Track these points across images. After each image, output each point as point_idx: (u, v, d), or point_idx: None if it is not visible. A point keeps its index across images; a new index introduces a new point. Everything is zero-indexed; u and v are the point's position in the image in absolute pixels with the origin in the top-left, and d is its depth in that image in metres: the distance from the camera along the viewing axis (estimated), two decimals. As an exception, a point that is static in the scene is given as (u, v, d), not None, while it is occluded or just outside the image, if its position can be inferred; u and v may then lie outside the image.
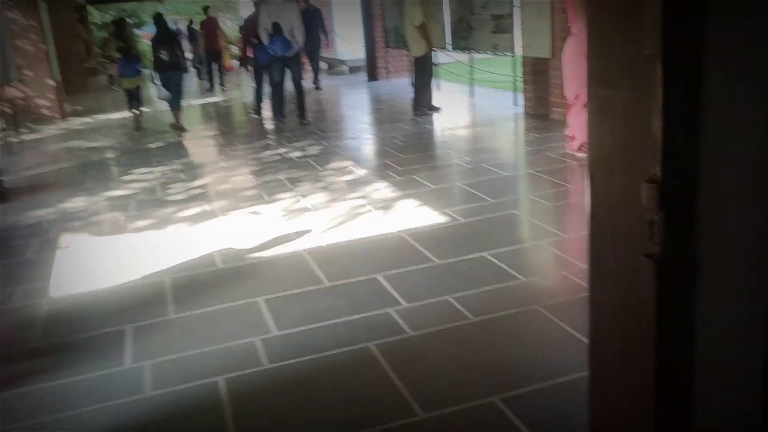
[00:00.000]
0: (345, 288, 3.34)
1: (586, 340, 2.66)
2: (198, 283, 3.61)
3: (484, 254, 3.58)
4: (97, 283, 3.73)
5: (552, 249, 3.58)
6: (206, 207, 5.11)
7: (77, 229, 4.84)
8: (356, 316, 3.01)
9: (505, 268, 3.36)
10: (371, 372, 2.56)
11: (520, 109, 8.00)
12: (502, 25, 8.10)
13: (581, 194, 4.49)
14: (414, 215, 4.40)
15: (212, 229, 4.54)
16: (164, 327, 3.12)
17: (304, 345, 2.80)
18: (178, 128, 9.35)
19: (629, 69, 1.11)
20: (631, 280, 1.16)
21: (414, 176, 5.38)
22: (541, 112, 7.50)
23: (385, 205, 4.70)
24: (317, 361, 2.67)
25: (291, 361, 2.68)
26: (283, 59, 8.42)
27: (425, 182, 5.17)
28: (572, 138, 5.48)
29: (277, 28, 8.26)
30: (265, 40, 8.37)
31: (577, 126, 5.34)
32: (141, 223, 4.84)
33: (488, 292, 3.13)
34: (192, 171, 6.51)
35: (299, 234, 4.24)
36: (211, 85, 14.58)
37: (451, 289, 3.18)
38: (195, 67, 16.62)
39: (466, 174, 5.34)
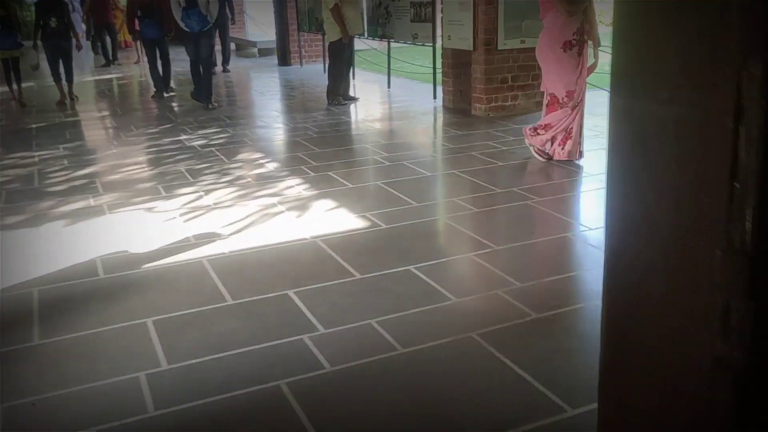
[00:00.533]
0: (251, 307, 2.87)
1: (530, 379, 2.35)
2: (73, 298, 3.03)
3: (410, 268, 3.20)
4: (-55, 296, 3.07)
5: (483, 263, 3.25)
6: (91, 201, 4.46)
7: (-71, 225, 4.08)
8: (264, 345, 2.55)
9: (434, 285, 3.00)
10: (281, 420, 2.12)
11: (440, 103, 7.70)
12: (422, 14, 7.77)
13: (510, 200, 4.20)
14: (330, 219, 3.97)
15: (96, 229, 3.92)
16: (25, 357, 2.54)
17: (199, 384, 2.32)
18: (66, 101, 8.71)
19: (694, 70, 0.73)
20: (678, 381, 0.80)
21: (329, 173, 4.94)
22: (462, 107, 7.23)
23: (299, 205, 4.24)
24: (215, 406, 2.20)
25: (182, 407, 2.19)
26: (196, 35, 7.83)
27: (342, 180, 4.74)
28: (562, 143, 4.92)
29: (191, 2, 7.63)
30: (177, 14, 7.74)
31: (565, 127, 4.87)
32: (11, 219, 4.14)
33: (417, 315, 2.75)
34: (78, 157, 5.77)
35: (200, 238, 3.71)
36: (106, 60, 13.49)
37: (374, 311, 2.78)
38: (89, 39, 15.38)
39: (386, 172, 4.96)
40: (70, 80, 8.83)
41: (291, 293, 2.98)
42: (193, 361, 2.46)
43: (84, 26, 15.30)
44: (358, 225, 3.83)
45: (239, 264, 3.35)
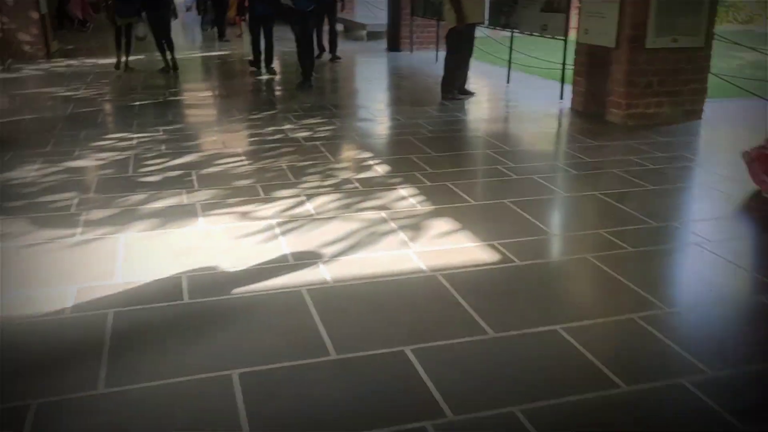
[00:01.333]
0: (359, 367, 2.29)
1: None
2: (152, 329, 2.56)
3: (557, 329, 2.53)
4: (13, 309, 2.67)
5: (653, 331, 2.52)
6: (185, 198, 4.03)
7: (11, 213, 3.77)
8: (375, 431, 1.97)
9: (593, 360, 2.32)
10: None
11: (566, 105, 6.88)
12: (555, 3, 6.94)
13: (672, 239, 3.43)
14: (451, 245, 3.33)
15: (186, 237, 3.47)
16: (83, 410, 2.07)
17: (292, 489, 1.77)
18: (169, 69, 9.15)
19: None
20: None
21: (448, 183, 4.30)
22: (594, 111, 6.38)
23: (412, 223, 3.63)
24: None
25: None
26: (305, 15, 7.73)
27: (463, 194, 4.10)
28: None
29: None
30: None
31: None
32: (97, 214, 3.76)
33: (575, 407, 2.08)
34: (177, 143, 5.41)
35: (299, 257, 3.18)
36: (220, 35, 13.38)
37: (517, 393, 2.13)
38: (200, 14, 15.40)
39: (514, 188, 4.26)
40: (170, 48, 9.09)
41: (408, 351, 2.38)
42: (285, 446, 1.91)
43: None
44: (485, 258, 3.18)
45: (345, 300, 2.78)
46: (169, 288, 2.86)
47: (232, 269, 3.05)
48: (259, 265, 3.10)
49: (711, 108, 6.30)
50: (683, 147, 5.26)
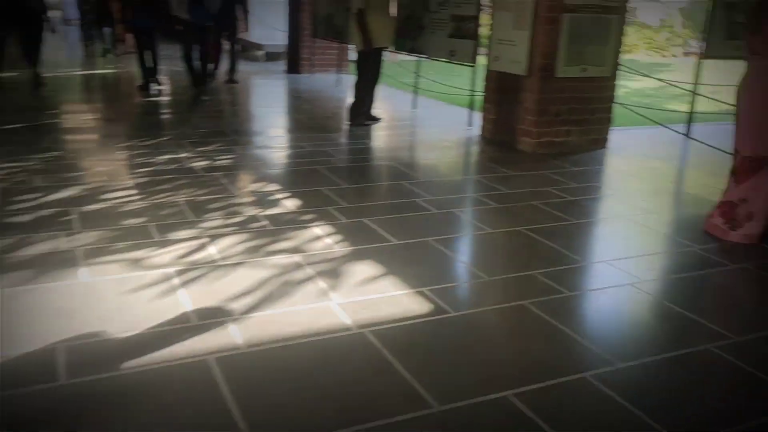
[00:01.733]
0: (285, 464, 1.89)
1: None
2: (15, 424, 2.02)
3: (508, 395, 2.24)
4: None
5: (611, 394, 2.28)
6: (63, 242, 3.45)
7: None
8: None
9: (555, 437, 2.04)
10: None
11: (475, 132, 6.77)
12: (464, 29, 6.82)
13: (606, 280, 3.25)
14: (377, 294, 2.99)
15: (65, 292, 2.91)
16: None
17: None
18: (39, 83, 8.54)
19: None
20: None
21: (365, 220, 3.97)
22: (504, 139, 6.29)
23: (331, 269, 3.26)
24: None
25: None
26: (201, 28, 7.76)
27: (383, 232, 3.77)
28: (748, 218, 3.82)
29: None
30: (182, 6, 7.57)
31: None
32: (-49, 266, 3.12)
33: (545, 502, 1.78)
34: (54, 174, 4.75)
35: (204, 316, 2.72)
36: (104, 52, 12.49)
37: (476, 488, 1.81)
38: (83, 29, 14.36)
39: (436, 224, 3.99)
40: (36, 62, 8.49)
41: (343, 438, 2.00)
42: None
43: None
44: (416, 308, 2.86)
45: (261, 370, 2.36)
46: (40, 365, 2.33)
47: (121, 335, 2.55)
48: (154, 328, 2.62)
49: (611, 136, 6.37)
50: (595, 177, 5.23)
